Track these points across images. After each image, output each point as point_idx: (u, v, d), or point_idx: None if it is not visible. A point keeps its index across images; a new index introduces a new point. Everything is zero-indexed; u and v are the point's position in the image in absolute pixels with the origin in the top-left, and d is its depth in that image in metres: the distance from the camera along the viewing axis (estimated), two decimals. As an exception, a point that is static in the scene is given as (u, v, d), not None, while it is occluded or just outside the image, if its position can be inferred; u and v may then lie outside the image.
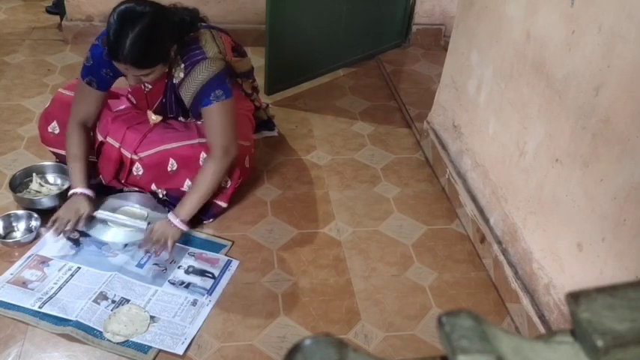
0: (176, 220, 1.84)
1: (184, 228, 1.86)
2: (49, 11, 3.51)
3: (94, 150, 2.00)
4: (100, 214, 1.93)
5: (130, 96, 2.10)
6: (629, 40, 1.24)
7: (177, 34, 1.79)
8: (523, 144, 1.72)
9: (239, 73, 2.09)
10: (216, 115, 1.84)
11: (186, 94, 1.86)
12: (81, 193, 1.89)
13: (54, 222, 1.84)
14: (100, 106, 1.96)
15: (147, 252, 1.84)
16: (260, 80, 2.78)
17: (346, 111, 2.77)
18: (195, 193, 1.87)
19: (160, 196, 2.02)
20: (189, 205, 1.86)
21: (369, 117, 2.72)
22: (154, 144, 1.95)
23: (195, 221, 1.99)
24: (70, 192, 1.90)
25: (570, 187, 1.47)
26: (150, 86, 1.94)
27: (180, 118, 2.05)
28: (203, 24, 1.93)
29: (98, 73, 1.88)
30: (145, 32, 1.66)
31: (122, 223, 1.93)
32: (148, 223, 1.92)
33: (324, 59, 3.01)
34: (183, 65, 1.83)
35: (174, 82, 1.88)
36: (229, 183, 1.96)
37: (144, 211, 1.99)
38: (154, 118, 2.01)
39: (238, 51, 2.14)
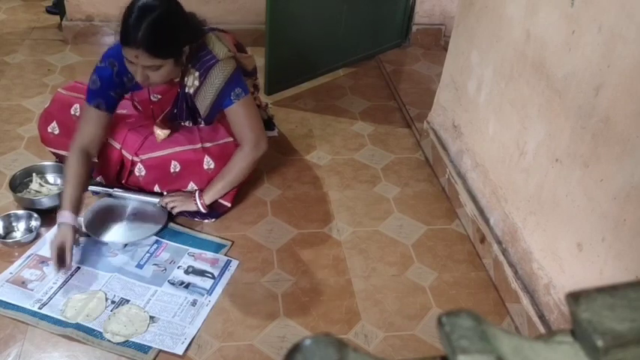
0: (200, 200, 1.92)
1: (203, 209, 1.93)
2: (49, 11, 3.51)
3: (90, 178, 1.95)
4: (116, 192, 1.99)
5: (135, 103, 2.07)
6: (629, 40, 1.24)
7: (192, 37, 1.80)
8: (523, 144, 1.72)
9: (246, 71, 2.08)
10: (241, 113, 1.89)
11: (204, 102, 1.87)
12: (67, 224, 1.73)
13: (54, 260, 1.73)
14: (107, 128, 1.91)
15: (165, 204, 1.95)
16: (260, 80, 2.78)
17: (346, 111, 2.77)
18: (221, 180, 1.91)
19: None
20: (214, 190, 1.92)
21: (369, 117, 2.72)
22: (156, 147, 1.94)
23: (195, 220, 2.00)
24: (58, 220, 1.76)
25: (570, 187, 1.47)
26: (158, 96, 1.94)
27: (188, 123, 2.04)
28: (206, 28, 1.93)
29: (107, 94, 1.86)
30: (163, 19, 1.69)
31: (136, 198, 1.99)
32: (160, 201, 1.98)
33: (324, 59, 3.01)
34: (197, 73, 1.84)
35: (186, 91, 1.88)
36: None
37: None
38: (159, 132, 1.97)
39: (240, 48, 2.15)
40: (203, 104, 1.89)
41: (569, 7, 1.46)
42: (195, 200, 1.92)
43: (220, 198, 1.97)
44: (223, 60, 1.84)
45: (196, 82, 1.85)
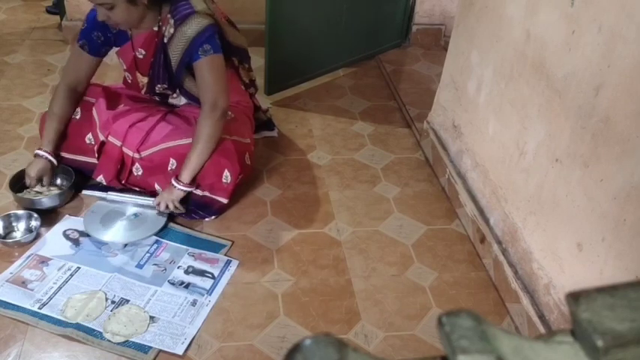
0: (179, 185, 1.90)
1: (186, 188, 1.91)
2: (49, 11, 3.51)
3: (70, 115, 2.04)
4: (110, 195, 1.99)
5: (126, 74, 2.10)
6: (629, 40, 1.24)
7: None
8: (523, 144, 1.72)
9: (234, 45, 2.07)
10: (205, 69, 1.89)
11: (175, 51, 1.89)
12: (45, 157, 1.97)
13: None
14: (90, 73, 2.04)
15: (161, 213, 1.95)
16: (260, 80, 2.78)
17: (346, 111, 2.77)
18: (192, 153, 1.89)
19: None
20: (188, 166, 1.90)
21: (369, 117, 2.73)
22: (156, 142, 1.95)
23: (195, 220, 2.00)
24: (36, 151, 1.98)
25: (570, 187, 1.47)
26: (143, 51, 1.97)
27: (164, 86, 2.03)
28: None
29: (90, 36, 1.96)
30: None
31: (132, 201, 1.99)
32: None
33: (324, 59, 3.01)
34: (172, 21, 1.87)
35: (164, 41, 1.90)
36: (229, 179, 1.94)
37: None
38: (141, 78, 2.04)
39: (232, 25, 2.15)
40: (174, 54, 1.90)
41: (569, 7, 1.46)
42: (175, 187, 1.90)
43: (215, 194, 1.95)
44: (199, 12, 1.86)
45: (171, 30, 1.87)
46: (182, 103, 2.11)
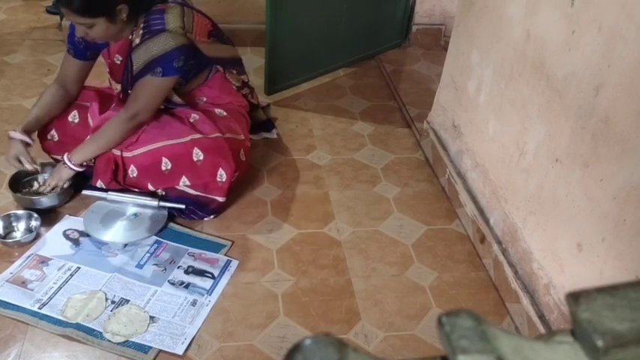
0: (69, 163, 1.93)
1: (76, 168, 1.94)
2: (49, 11, 3.51)
3: (57, 110, 2.04)
4: (110, 195, 1.99)
5: (109, 78, 2.13)
6: (629, 40, 1.24)
7: None
8: (523, 144, 1.72)
9: (215, 58, 2.05)
10: (146, 87, 1.91)
11: (137, 61, 1.91)
12: (19, 139, 1.94)
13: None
14: (78, 76, 2.07)
15: (42, 190, 1.99)
16: (260, 80, 2.78)
17: (346, 111, 2.77)
18: (93, 142, 1.94)
19: (160, 195, 2.02)
20: (81, 150, 1.94)
21: (369, 117, 2.73)
22: (145, 142, 1.94)
23: (194, 220, 2.00)
24: (11, 133, 1.95)
25: (570, 187, 1.47)
26: (120, 57, 1.99)
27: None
28: (179, 0, 1.94)
29: (74, 40, 1.99)
30: None
31: (132, 201, 1.99)
32: (159, 201, 1.97)
33: (324, 59, 3.01)
34: (141, 32, 1.88)
35: (132, 46, 1.92)
36: (225, 177, 1.93)
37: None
38: (115, 85, 2.08)
39: (218, 37, 2.09)
40: (137, 63, 1.92)
41: (569, 7, 1.46)
42: (66, 165, 1.93)
43: (212, 193, 1.95)
44: (170, 32, 1.85)
45: (137, 40, 1.89)
46: (183, 105, 2.10)
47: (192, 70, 1.99)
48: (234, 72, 2.18)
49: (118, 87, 2.07)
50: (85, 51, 2.02)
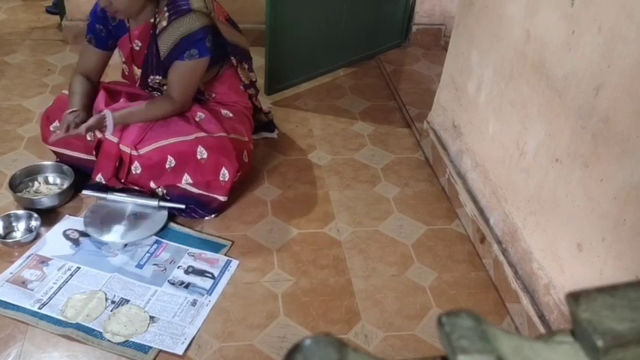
0: (111, 121, 1.90)
1: (112, 127, 1.91)
2: (49, 11, 3.51)
3: (93, 99, 2.01)
4: (110, 195, 1.99)
5: (124, 66, 2.14)
6: (629, 40, 1.24)
7: None
8: (523, 144, 1.72)
9: (231, 43, 2.07)
10: (183, 72, 1.93)
11: (165, 44, 1.91)
12: (78, 110, 1.90)
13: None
14: (100, 64, 2.07)
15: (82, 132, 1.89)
16: (260, 80, 2.78)
17: (346, 111, 2.77)
18: (136, 109, 1.95)
19: (160, 194, 2.02)
20: (125, 113, 1.94)
21: (369, 117, 2.73)
22: (152, 140, 1.95)
23: (195, 219, 2.00)
24: (70, 110, 1.90)
25: (570, 187, 1.47)
26: (140, 43, 1.99)
27: (157, 79, 2.06)
28: None
29: (95, 29, 1.99)
30: None
31: (132, 201, 1.99)
32: (159, 201, 1.98)
33: (324, 59, 3.01)
34: (167, 14, 1.88)
35: (156, 32, 1.92)
36: (227, 176, 1.94)
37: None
38: (136, 71, 2.07)
39: (233, 25, 2.15)
40: (164, 47, 1.92)
41: (569, 7, 1.46)
42: (105, 120, 1.90)
43: (214, 192, 1.95)
44: (196, 11, 1.87)
45: (164, 23, 1.89)
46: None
47: (213, 54, 1.98)
48: (246, 67, 2.21)
49: (138, 72, 2.08)
50: (106, 39, 2.02)
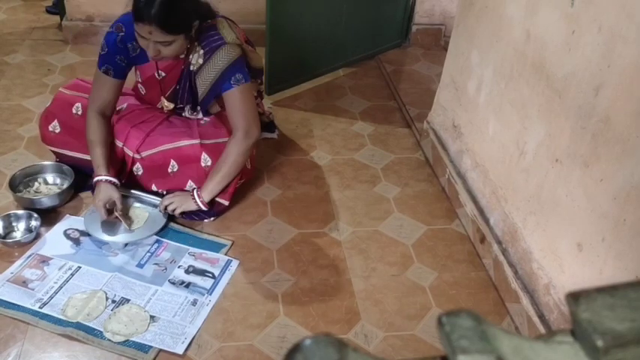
0: (199, 199, 1.92)
1: (202, 207, 1.93)
2: (49, 11, 3.51)
3: (112, 137, 1.98)
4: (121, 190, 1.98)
5: (140, 86, 2.09)
6: (629, 40, 1.24)
7: (202, 13, 1.83)
8: (523, 144, 1.72)
9: (252, 67, 2.07)
10: (238, 99, 1.89)
11: (205, 82, 1.90)
12: (106, 181, 1.88)
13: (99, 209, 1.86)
14: (117, 94, 1.98)
15: (164, 208, 1.95)
16: (260, 80, 2.78)
17: (346, 111, 2.77)
18: (217, 173, 1.91)
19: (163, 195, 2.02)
20: (211, 185, 1.92)
21: (369, 117, 2.73)
22: (156, 143, 1.95)
23: (195, 220, 2.00)
24: (95, 179, 1.89)
25: (570, 187, 1.47)
26: (164, 74, 1.96)
27: (187, 111, 2.05)
28: (219, 14, 1.96)
29: (113, 60, 1.91)
30: None
31: (139, 197, 2.00)
32: (163, 211, 1.98)
33: (324, 59, 3.01)
34: (202, 51, 1.87)
35: (191, 69, 1.90)
36: (230, 182, 1.96)
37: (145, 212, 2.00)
38: (166, 104, 2.03)
39: (251, 44, 2.15)
40: (203, 84, 1.91)
41: (569, 7, 1.46)
42: (194, 199, 1.92)
43: (218, 196, 1.96)
44: (230, 44, 1.87)
45: (200, 61, 1.88)
46: (197, 118, 2.09)
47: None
48: (259, 81, 2.23)
49: (169, 105, 2.04)
50: (125, 68, 1.96)
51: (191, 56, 1.89)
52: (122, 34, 1.87)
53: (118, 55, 1.90)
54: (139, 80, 2.07)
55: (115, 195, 1.87)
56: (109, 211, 1.88)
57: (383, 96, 2.93)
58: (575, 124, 1.45)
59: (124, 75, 1.97)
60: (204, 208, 1.93)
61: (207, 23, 1.88)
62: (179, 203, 1.94)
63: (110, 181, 1.89)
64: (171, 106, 2.03)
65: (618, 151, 1.29)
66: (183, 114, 2.07)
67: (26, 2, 3.67)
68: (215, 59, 1.85)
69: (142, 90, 2.10)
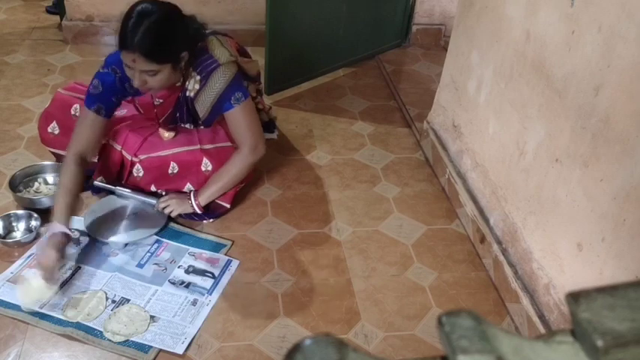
0: (195, 202, 1.92)
1: (198, 210, 1.94)
2: (49, 11, 3.51)
3: (82, 187, 1.87)
4: (119, 189, 1.99)
5: (137, 106, 2.07)
6: (629, 40, 1.24)
7: (191, 43, 1.80)
8: (523, 144, 1.72)
9: (249, 76, 2.07)
10: (240, 117, 1.89)
11: (204, 105, 1.88)
12: (60, 232, 1.69)
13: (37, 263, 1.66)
14: (102, 135, 1.92)
15: (160, 210, 1.95)
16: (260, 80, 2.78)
17: (346, 111, 2.77)
18: (217, 182, 1.92)
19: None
20: (209, 191, 1.92)
21: (369, 117, 2.73)
22: (155, 148, 1.95)
23: (195, 220, 2.00)
24: (50, 228, 1.71)
25: (570, 187, 1.47)
26: (160, 100, 1.95)
27: (188, 126, 2.05)
28: (207, 31, 1.93)
29: (108, 99, 1.85)
30: (161, 24, 1.68)
31: (139, 198, 1.99)
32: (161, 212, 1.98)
33: (324, 59, 3.01)
34: (198, 77, 1.84)
35: (187, 94, 1.88)
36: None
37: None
38: (166, 135, 2.00)
39: (243, 53, 2.14)
40: (202, 108, 1.90)
41: (569, 7, 1.46)
42: (190, 201, 1.92)
43: (219, 199, 1.97)
44: (225, 64, 1.85)
45: (197, 86, 1.86)
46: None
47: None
48: (256, 84, 2.22)
49: (170, 135, 2.01)
50: (116, 107, 1.91)
51: (187, 82, 1.87)
52: (119, 75, 1.82)
53: (115, 95, 1.85)
54: (138, 102, 2.04)
55: (56, 256, 1.63)
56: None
57: (383, 96, 2.93)
58: (575, 124, 1.45)
59: (114, 112, 1.92)
60: (199, 211, 1.94)
61: (197, 47, 1.84)
62: (176, 206, 1.94)
63: (64, 234, 1.70)
64: (172, 135, 2.01)
65: (618, 151, 1.29)
66: (184, 125, 2.07)
67: (26, 2, 3.67)
68: (212, 82, 1.84)
69: (140, 110, 2.07)
